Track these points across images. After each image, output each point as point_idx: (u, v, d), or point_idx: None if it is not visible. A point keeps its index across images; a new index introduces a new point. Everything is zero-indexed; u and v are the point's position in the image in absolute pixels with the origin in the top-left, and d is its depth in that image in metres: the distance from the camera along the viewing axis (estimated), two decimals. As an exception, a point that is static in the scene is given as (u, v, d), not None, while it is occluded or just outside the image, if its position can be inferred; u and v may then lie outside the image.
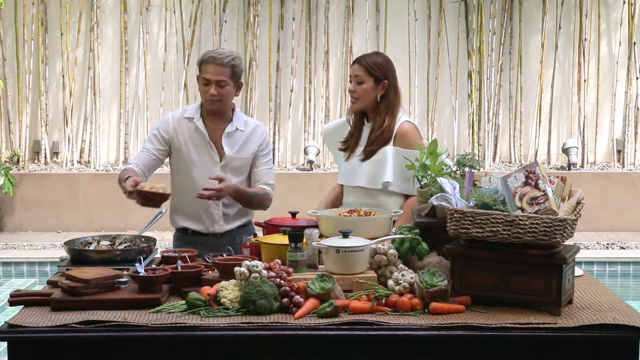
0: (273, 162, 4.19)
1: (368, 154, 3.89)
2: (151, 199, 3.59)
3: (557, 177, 3.03)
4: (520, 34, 8.92)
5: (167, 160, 4.10)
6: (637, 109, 8.86)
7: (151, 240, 3.48)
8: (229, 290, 2.90)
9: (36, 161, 8.92)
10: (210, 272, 3.20)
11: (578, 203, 3.03)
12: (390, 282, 2.96)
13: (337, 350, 2.81)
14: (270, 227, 3.63)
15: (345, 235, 3.13)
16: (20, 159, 8.79)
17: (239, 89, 3.97)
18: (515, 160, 8.98)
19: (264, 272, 2.93)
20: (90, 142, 8.91)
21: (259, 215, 4.06)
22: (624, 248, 7.69)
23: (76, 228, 8.13)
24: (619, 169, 8.77)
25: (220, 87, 3.87)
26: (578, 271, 3.28)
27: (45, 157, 8.90)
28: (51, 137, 8.98)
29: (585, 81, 8.83)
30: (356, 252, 3.07)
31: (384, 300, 2.89)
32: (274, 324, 2.77)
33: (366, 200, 3.86)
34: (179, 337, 2.75)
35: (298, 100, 8.94)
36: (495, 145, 9.00)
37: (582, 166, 8.80)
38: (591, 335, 2.75)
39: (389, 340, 2.78)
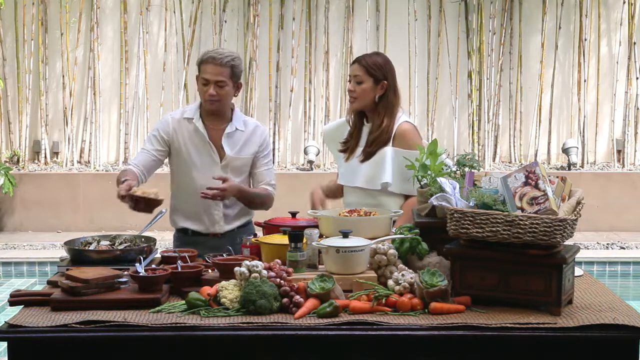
0: (273, 162, 4.19)
1: (367, 155, 3.89)
2: (143, 204, 3.58)
3: (557, 177, 3.03)
4: (520, 34, 8.93)
5: (166, 160, 4.10)
6: (637, 109, 8.86)
7: (151, 240, 3.48)
8: (229, 290, 2.90)
9: (36, 161, 8.93)
10: (210, 272, 3.20)
11: (578, 203, 3.03)
12: (390, 282, 2.96)
13: (337, 350, 2.81)
14: (270, 227, 3.63)
15: (345, 235, 3.13)
16: (20, 159, 8.79)
17: (238, 90, 3.97)
18: (515, 160, 8.98)
19: (264, 272, 2.93)
20: (90, 142, 8.91)
21: (259, 215, 4.06)
22: (624, 248, 7.69)
23: (76, 228, 8.13)
24: (619, 169, 8.77)
25: (219, 87, 3.87)
26: (578, 271, 3.28)
27: (45, 157, 8.90)
28: (51, 137, 8.98)
29: (585, 81, 8.83)
30: (356, 252, 3.07)
31: (384, 300, 2.88)
32: (274, 324, 2.77)
33: (366, 201, 3.86)
34: (179, 337, 2.75)
35: (298, 100, 8.94)
36: (495, 145, 9.00)
37: (582, 166, 8.80)
38: (591, 335, 2.75)
39: (389, 340, 2.78)
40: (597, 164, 8.91)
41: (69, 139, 8.84)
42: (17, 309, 2.96)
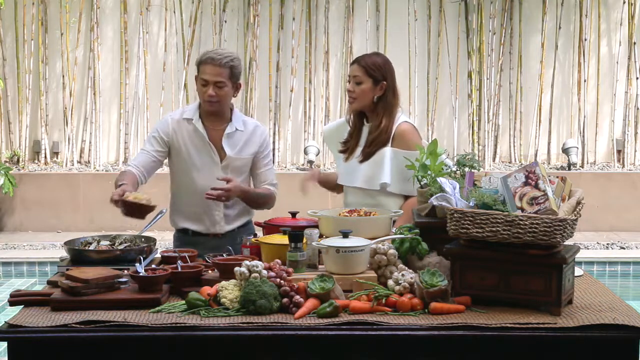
0: (273, 162, 4.20)
1: (366, 155, 3.89)
2: (135, 210, 3.57)
3: (557, 177, 3.03)
4: (520, 34, 8.92)
5: (166, 160, 4.09)
6: (637, 109, 8.86)
7: (151, 240, 3.48)
8: (229, 290, 2.90)
9: (36, 161, 8.92)
10: (210, 272, 3.20)
11: (578, 203, 3.03)
12: (390, 282, 2.96)
13: (337, 350, 2.81)
14: (270, 227, 3.63)
15: (345, 235, 3.13)
16: (20, 159, 8.79)
17: (237, 90, 3.96)
18: (515, 160, 8.98)
19: (264, 272, 2.93)
20: (90, 142, 8.90)
21: (259, 215, 4.06)
22: (624, 248, 7.69)
23: (76, 228, 8.13)
24: (619, 169, 8.77)
25: (218, 88, 3.87)
26: (578, 271, 3.28)
27: (45, 157, 8.90)
28: (51, 137, 8.98)
29: (585, 81, 8.83)
30: (356, 252, 3.07)
31: (384, 300, 2.88)
32: (274, 324, 2.77)
33: (365, 201, 3.86)
34: (179, 337, 2.75)
35: (298, 100, 8.94)
36: (495, 145, 9.00)
37: (582, 166, 8.79)
38: (591, 335, 2.75)
39: (389, 340, 2.78)
40: (597, 164, 8.91)
41: (69, 139, 8.84)
42: (17, 309, 2.96)
